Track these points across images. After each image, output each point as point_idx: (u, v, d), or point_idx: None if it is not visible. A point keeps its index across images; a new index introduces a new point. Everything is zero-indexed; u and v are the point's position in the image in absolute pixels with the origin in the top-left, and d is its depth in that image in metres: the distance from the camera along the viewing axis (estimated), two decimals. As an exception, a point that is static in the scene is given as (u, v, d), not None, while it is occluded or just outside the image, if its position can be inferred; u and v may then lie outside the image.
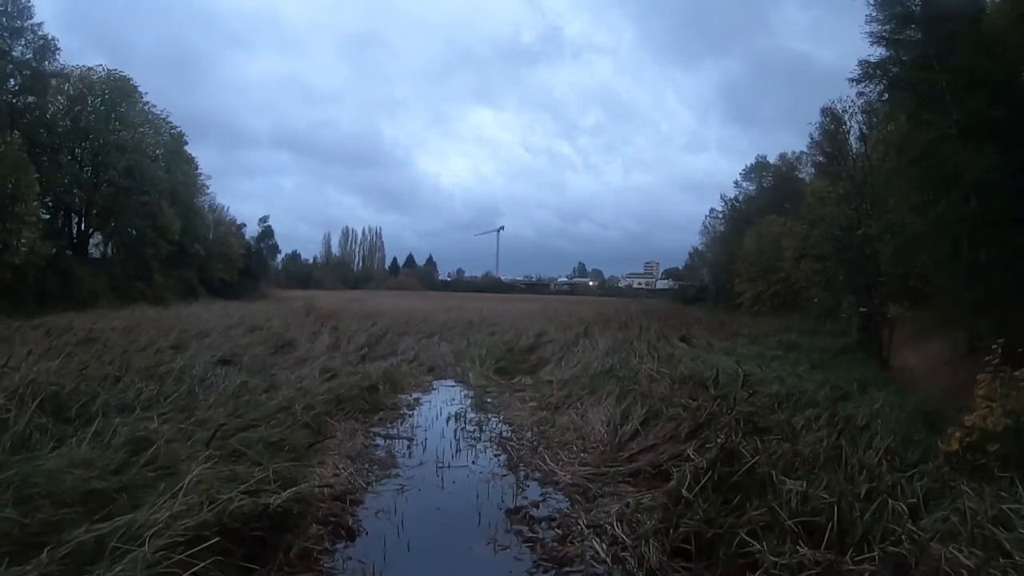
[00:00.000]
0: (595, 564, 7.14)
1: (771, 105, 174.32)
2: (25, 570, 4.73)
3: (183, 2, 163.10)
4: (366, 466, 10.90)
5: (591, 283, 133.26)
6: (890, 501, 6.55)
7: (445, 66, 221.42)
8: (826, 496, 6.68)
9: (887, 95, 21.44)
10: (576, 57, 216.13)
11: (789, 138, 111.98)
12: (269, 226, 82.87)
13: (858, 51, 19.68)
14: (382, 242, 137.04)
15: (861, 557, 5.49)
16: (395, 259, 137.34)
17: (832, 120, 36.37)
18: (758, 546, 6.13)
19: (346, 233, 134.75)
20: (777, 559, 5.79)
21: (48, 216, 40.12)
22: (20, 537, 5.47)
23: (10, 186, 32.15)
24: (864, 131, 32.84)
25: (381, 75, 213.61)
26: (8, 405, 8.96)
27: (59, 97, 42.18)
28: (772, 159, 60.54)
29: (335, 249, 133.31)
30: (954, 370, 16.40)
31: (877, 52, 19.47)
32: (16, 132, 33.37)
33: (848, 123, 35.11)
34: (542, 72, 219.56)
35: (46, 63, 37.62)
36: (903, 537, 5.78)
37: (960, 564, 4.92)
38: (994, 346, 9.38)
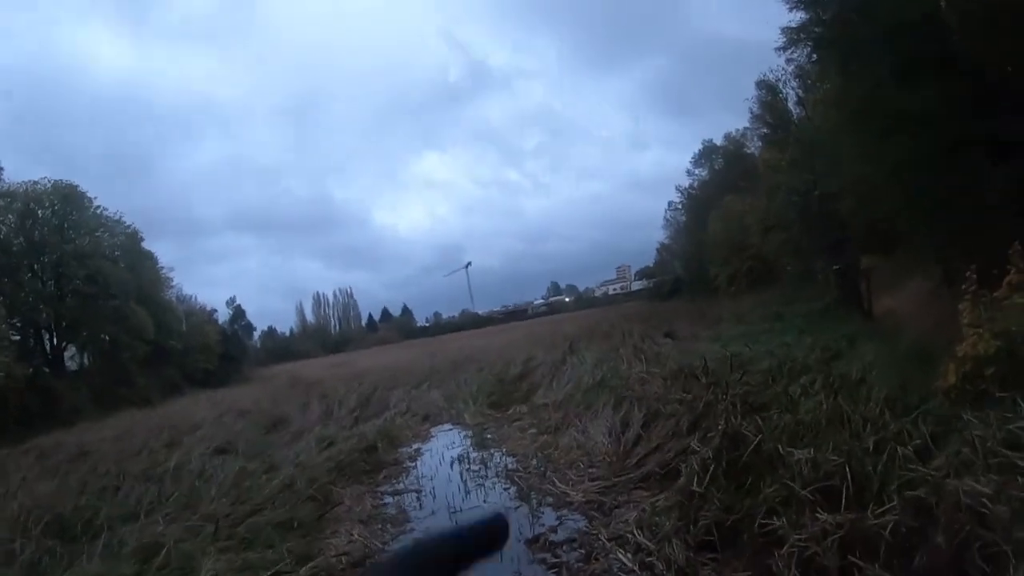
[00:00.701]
0: (623, 575, 7.00)
1: (701, 92, 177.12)
2: None
3: (119, 104, 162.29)
4: (379, 527, 10.67)
5: (567, 299, 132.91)
6: (899, 448, 6.51)
7: (382, 119, 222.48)
8: (835, 458, 6.62)
9: (815, 56, 21.78)
10: (506, 86, 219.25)
11: (726, 119, 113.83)
12: (239, 306, 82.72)
13: (774, 22, 20.04)
14: (355, 301, 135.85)
15: (882, 510, 5.43)
16: (370, 315, 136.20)
17: (768, 91, 37.03)
18: (778, 522, 6.05)
19: (317, 299, 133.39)
20: (799, 531, 5.72)
21: (18, 337, 39.56)
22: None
23: (-26, 315, 31.70)
24: (800, 95, 33.38)
25: (322, 140, 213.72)
26: (12, 535, 8.83)
27: (9, 216, 41.84)
28: (718, 141, 61.19)
29: (309, 317, 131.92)
30: (936, 305, 16.48)
31: (797, 16, 19.82)
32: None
33: (784, 91, 35.76)
34: (477, 106, 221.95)
35: (-10, 187, 37.00)
36: (919, 481, 5.72)
37: (979, 493, 4.87)
38: (968, 273, 9.41)
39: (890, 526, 5.11)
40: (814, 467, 6.67)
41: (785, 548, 5.71)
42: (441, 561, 0.81)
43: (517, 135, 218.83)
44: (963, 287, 9.38)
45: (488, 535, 0.86)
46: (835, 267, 23.00)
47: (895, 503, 5.39)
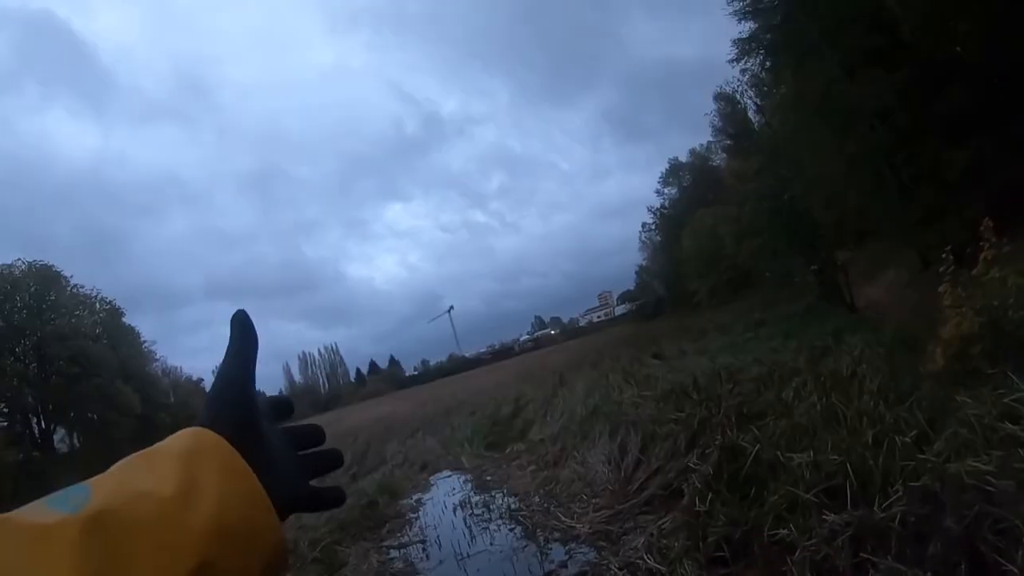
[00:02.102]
0: (638, 603, 6.85)
1: (653, 114, 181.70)
2: None
3: (86, 186, 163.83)
4: (387, 583, 10.45)
5: (553, 332, 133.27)
6: (897, 439, 6.46)
7: (344, 177, 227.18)
8: (835, 457, 6.56)
9: (768, 63, 22.15)
10: (461, 131, 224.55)
11: (682, 137, 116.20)
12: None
13: (714, 38, 20.52)
14: (341, 357, 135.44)
15: (888, 502, 5.37)
16: (358, 369, 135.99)
17: (727, 103, 37.69)
18: (786, 530, 5.97)
19: (304, 359, 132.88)
20: (809, 535, 5.65)
21: (6, 423, 39.23)
22: None
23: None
24: (758, 103, 33.89)
25: (288, 203, 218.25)
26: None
27: None
28: (683, 158, 61.83)
29: (297, 377, 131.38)
30: (916, 291, 16.58)
31: (746, 27, 20.16)
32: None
33: (742, 101, 36.34)
34: (435, 155, 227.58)
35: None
36: (921, 468, 5.66)
37: (982, 472, 4.83)
38: (944, 255, 9.45)
39: (898, 517, 5.06)
40: (815, 469, 6.60)
41: (797, 554, 5.61)
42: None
43: (479, 178, 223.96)
44: (941, 269, 9.42)
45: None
46: (812, 267, 23.07)
47: (900, 494, 5.34)
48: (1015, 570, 4.24)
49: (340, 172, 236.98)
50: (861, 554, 5.07)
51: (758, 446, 7.54)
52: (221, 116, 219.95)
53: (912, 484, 5.31)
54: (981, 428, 5.80)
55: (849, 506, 5.74)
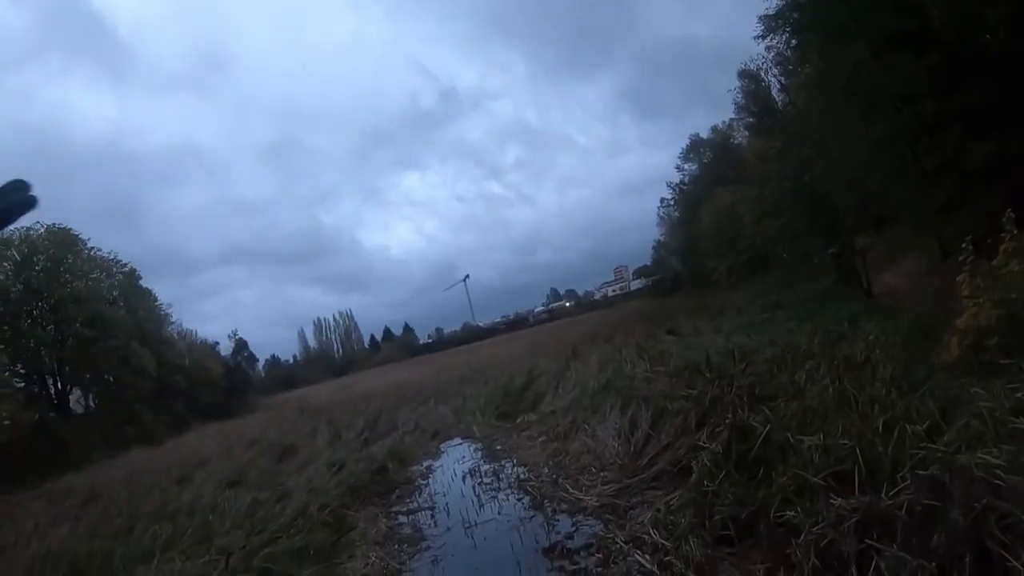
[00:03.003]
0: (643, 576, 6.95)
1: (672, 92, 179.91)
2: None
3: (108, 156, 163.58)
4: (395, 547, 10.59)
5: (568, 304, 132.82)
6: (908, 427, 6.48)
7: (361, 149, 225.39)
8: (845, 442, 6.59)
9: (794, 41, 21.84)
10: (478, 104, 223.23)
11: (702, 115, 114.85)
12: (241, 339, 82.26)
13: (734, 17, 20.33)
14: (356, 323, 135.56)
15: (895, 490, 5.39)
16: (372, 336, 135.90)
17: (751, 81, 37.14)
18: (793, 513, 6.03)
19: (319, 324, 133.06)
20: (815, 518, 5.70)
21: (23, 383, 39.67)
22: None
23: (-24, 365, 31.77)
24: (783, 82, 33.45)
25: (306, 172, 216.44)
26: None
27: (5, 264, 42.01)
28: (703, 135, 61.32)
29: (312, 342, 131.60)
30: (934, 279, 16.51)
31: (774, 3, 19.89)
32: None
33: (766, 79, 35.85)
34: (452, 127, 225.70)
35: (-18, 236, 36.93)
36: (930, 458, 5.69)
37: (992, 465, 4.86)
38: (964, 245, 9.40)
39: (905, 506, 5.08)
40: (825, 453, 6.64)
41: (802, 536, 5.66)
42: None
43: (495, 150, 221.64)
44: (960, 259, 9.37)
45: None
46: (831, 250, 22.96)
47: (908, 483, 5.36)
48: (1020, 567, 4.28)
49: (357, 142, 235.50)
50: (866, 541, 5.10)
51: (768, 427, 7.59)
52: (239, 88, 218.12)
53: (920, 473, 5.33)
54: (992, 421, 5.83)
55: (857, 492, 5.77)
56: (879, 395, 8.02)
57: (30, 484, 26.79)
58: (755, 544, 6.52)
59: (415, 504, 13.41)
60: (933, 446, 5.88)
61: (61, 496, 20.83)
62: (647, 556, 7.30)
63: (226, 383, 61.09)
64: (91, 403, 47.15)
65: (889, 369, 9.13)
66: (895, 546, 4.86)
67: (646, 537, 7.73)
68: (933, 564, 4.54)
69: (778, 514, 6.28)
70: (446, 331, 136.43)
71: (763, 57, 32.92)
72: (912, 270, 19.78)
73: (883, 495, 5.41)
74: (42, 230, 44.02)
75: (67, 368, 44.26)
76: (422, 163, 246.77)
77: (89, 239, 47.37)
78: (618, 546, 7.94)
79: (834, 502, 5.66)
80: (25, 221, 45.56)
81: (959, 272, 9.32)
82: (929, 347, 10.05)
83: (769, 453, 7.28)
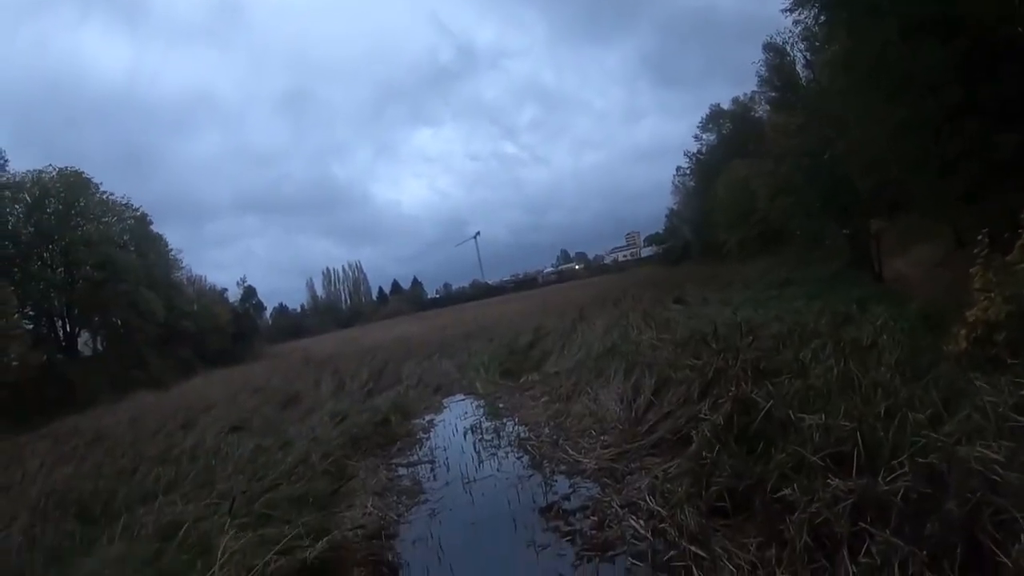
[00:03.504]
0: (636, 542, 7.08)
1: (691, 61, 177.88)
2: None
3: (119, 101, 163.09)
4: (394, 499, 10.77)
5: (577, 267, 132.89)
6: (910, 414, 6.52)
7: (375, 102, 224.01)
8: (846, 424, 6.63)
9: (823, 17, 21.52)
10: (496, 63, 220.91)
11: (720, 88, 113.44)
12: (250, 286, 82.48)
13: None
14: (365, 275, 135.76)
15: (893, 476, 5.43)
16: (381, 289, 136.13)
17: (776, 54, 36.51)
18: (789, 490, 6.09)
19: (327, 275, 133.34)
20: (811, 497, 5.75)
21: (32, 325, 40.00)
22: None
23: (-14, 306, 32.05)
24: (808, 58, 32.97)
25: (320, 125, 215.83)
26: (33, 520, 8.99)
27: (16, 206, 42.10)
28: (725, 106, 60.64)
29: (320, 292, 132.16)
30: (947, 269, 16.44)
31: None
32: (-20, 252, 33.32)
33: (792, 54, 35.30)
34: (468, 84, 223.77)
35: (-3, 178, 36.84)
36: (930, 446, 5.72)
37: (990, 460, 4.88)
38: (980, 237, 9.34)
39: (901, 492, 5.12)
40: (825, 433, 6.69)
41: (796, 514, 5.72)
42: None
43: (511, 109, 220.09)
44: (975, 251, 9.32)
45: None
46: (844, 231, 22.82)
47: (906, 469, 5.39)
48: (1009, 563, 4.34)
49: (372, 95, 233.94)
50: (860, 523, 5.15)
51: (771, 402, 7.62)
52: (254, 37, 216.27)
53: (919, 461, 5.36)
54: (995, 416, 5.85)
55: (854, 474, 5.83)
56: (883, 380, 8.06)
57: (37, 424, 27.22)
58: (749, 518, 6.61)
59: (415, 457, 13.60)
60: (934, 435, 5.91)
61: (67, 436, 21.18)
62: (642, 522, 7.41)
63: (233, 330, 61.51)
64: (99, 346, 47.71)
65: (895, 355, 9.17)
66: (888, 531, 4.90)
67: (642, 503, 7.84)
68: (924, 553, 4.58)
69: (774, 490, 6.34)
70: (454, 287, 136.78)
71: (790, 31, 32.48)
72: (925, 258, 19.68)
73: (880, 479, 5.44)
74: (54, 173, 44.13)
75: (76, 311, 44.71)
76: (436, 119, 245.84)
77: (101, 183, 47.51)
78: (614, 510, 8.05)
79: (831, 482, 5.71)
80: (37, 164, 45.93)
81: (972, 264, 9.27)
82: (936, 337, 10.06)
83: (770, 429, 7.32)
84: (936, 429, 6.11)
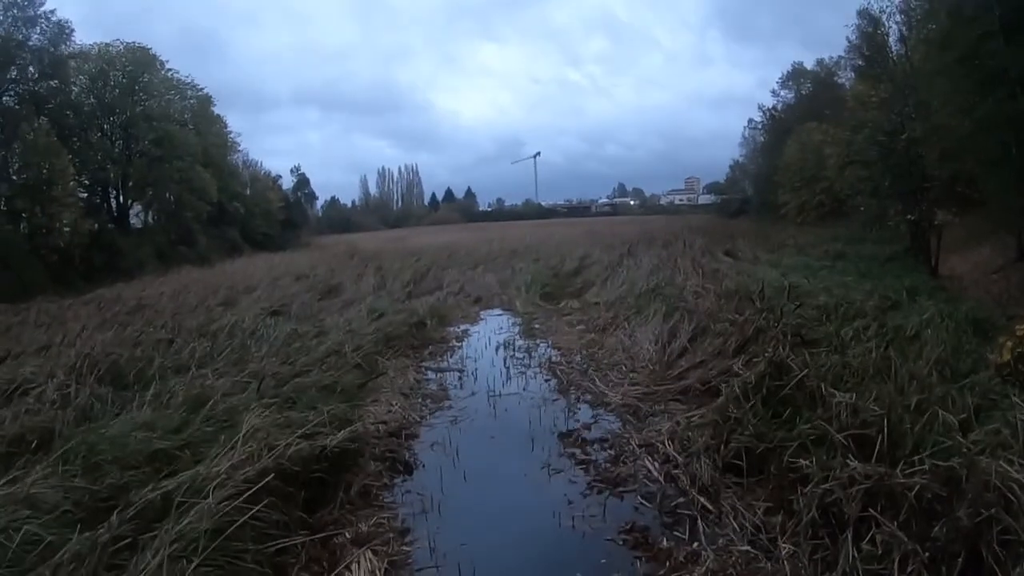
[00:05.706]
0: (648, 483, 7.25)
1: (768, 17, 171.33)
2: (98, 534, 4.87)
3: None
4: (419, 401, 11.13)
5: (632, 203, 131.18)
6: (940, 413, 6.46)
7: (444, 11, 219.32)
8: (876, 408, 6.59)
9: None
10: None
11: (792, 49, 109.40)
12: (304, 175, 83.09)
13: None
14: (419, 179, 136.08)
15: (911, 470, 5.37)
16: (433, 195, 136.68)
17: (870, 23, 35.13)
18: (807, 462, 6.15)
19: (382, 173, 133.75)
20: (827, 473, 5.78)
21: (86, 194, 40.85)
22: (90, 504, 5.72)
23: (45, 171, 32.95)
24: (904, 32, 31.71)
25: (388, 28, 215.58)
26: (68, 380, 9.34)
27: (81, 77, 42.38)
28: (809, 66, 58.77)
29: (373, 190, 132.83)
30: (1004, 277, 16.08)
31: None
32: (43, 118, 34.14)
33: (887, 24, 33.94)
34: (537, 6, 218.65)
35: (62, 47, 37.29)
36: (954, 450, 5.65)
37: (1011, 478, 4.75)
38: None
39: (916, 489, 5.06)
40: (853, 412, 6.66)
41: (809, 487, 5.77)
42: None
43: (579, 38, 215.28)
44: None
45: None
46: (908, 216, 22.25)
47: (926, 467, 5.31)
48: None
49: (442, 5, 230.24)
50: (870, 510, 5.16)
51: (805, 371, 7.59)
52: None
53: (940, 463, 5.30)
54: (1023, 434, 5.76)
55: (874, 460, 5.81)
56: (920, 373, 7.99)
57: (83, 290, 28.09)
58: (762, 481, 6.72)
59: (446, 364, 13.97)
60: (960, 440, 5.86)
61: (110, 303, 21.89)
62: (656, 464, 7.59)
63: (283, 216, 62.24)
64: (150, 219, 48.52)
65: (936, 351, 9.03)
66: (896, 524, 4.89)
67: (660, 446, 8.00)
68: (926, 554, 4.60)
69: (792, 459, 6.40)
70: (507, 204, 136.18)
71: (888, 1, 31.39)
72: (984, 261, 19.19)
73: (898, 471, 5.39)
74: (121, 47, 44.30)
75: (130, 184, 45.44)
76: (503, 37, 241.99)
77: (168, 60, 47.89)
78: (631, 448, 8.24)
79: (850, 463, 5.69)
80: (104, 37, 45.82)
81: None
82: (981, 342, 9.91)
83: (799, 397, 7.33)
84: (963, 434, 6.06)
